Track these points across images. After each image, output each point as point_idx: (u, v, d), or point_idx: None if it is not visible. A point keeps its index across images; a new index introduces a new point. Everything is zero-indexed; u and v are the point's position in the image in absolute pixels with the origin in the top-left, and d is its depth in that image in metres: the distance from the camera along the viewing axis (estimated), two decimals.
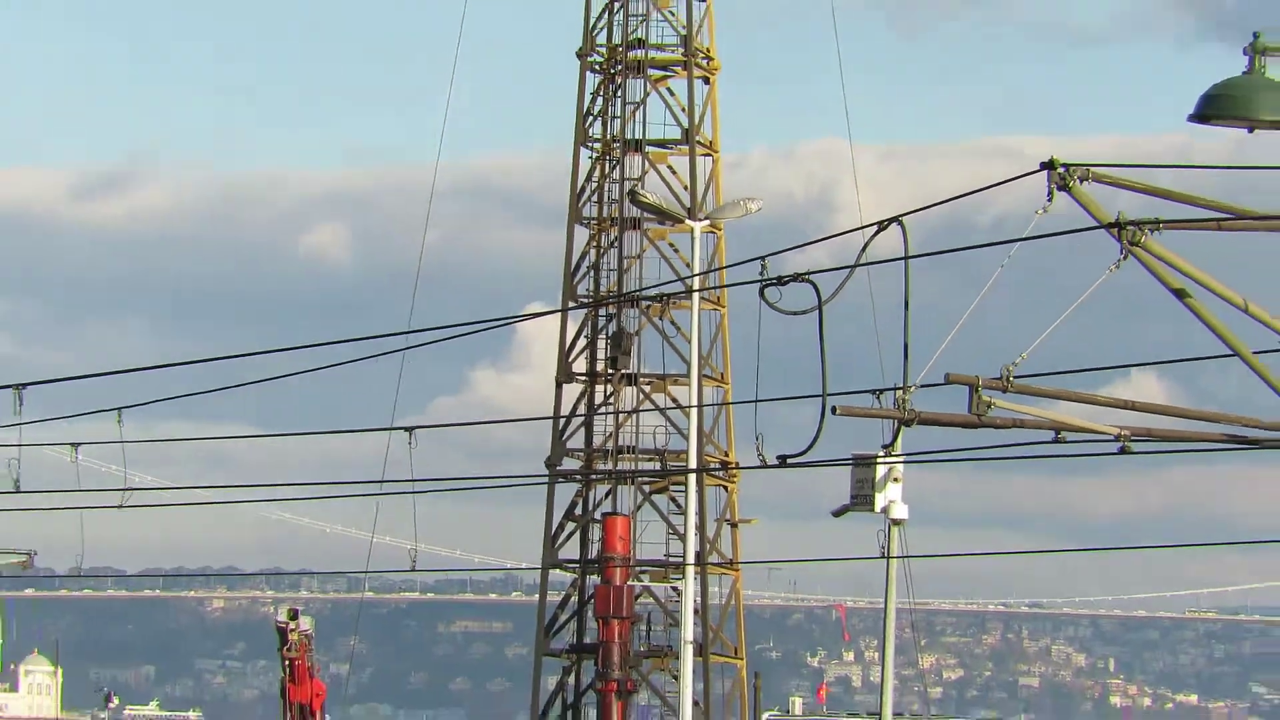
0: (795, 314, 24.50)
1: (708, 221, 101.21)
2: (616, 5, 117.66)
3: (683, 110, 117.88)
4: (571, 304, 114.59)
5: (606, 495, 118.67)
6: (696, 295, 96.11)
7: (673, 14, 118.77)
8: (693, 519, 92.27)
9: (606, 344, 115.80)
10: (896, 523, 65.69)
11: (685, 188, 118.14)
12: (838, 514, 69.29)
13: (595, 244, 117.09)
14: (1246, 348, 24.26)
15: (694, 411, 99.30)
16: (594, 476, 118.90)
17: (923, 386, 26.01)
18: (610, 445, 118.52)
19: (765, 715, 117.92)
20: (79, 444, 56.55)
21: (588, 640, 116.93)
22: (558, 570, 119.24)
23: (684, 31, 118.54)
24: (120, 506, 58.78)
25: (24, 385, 45.28)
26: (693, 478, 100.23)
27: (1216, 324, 24.06)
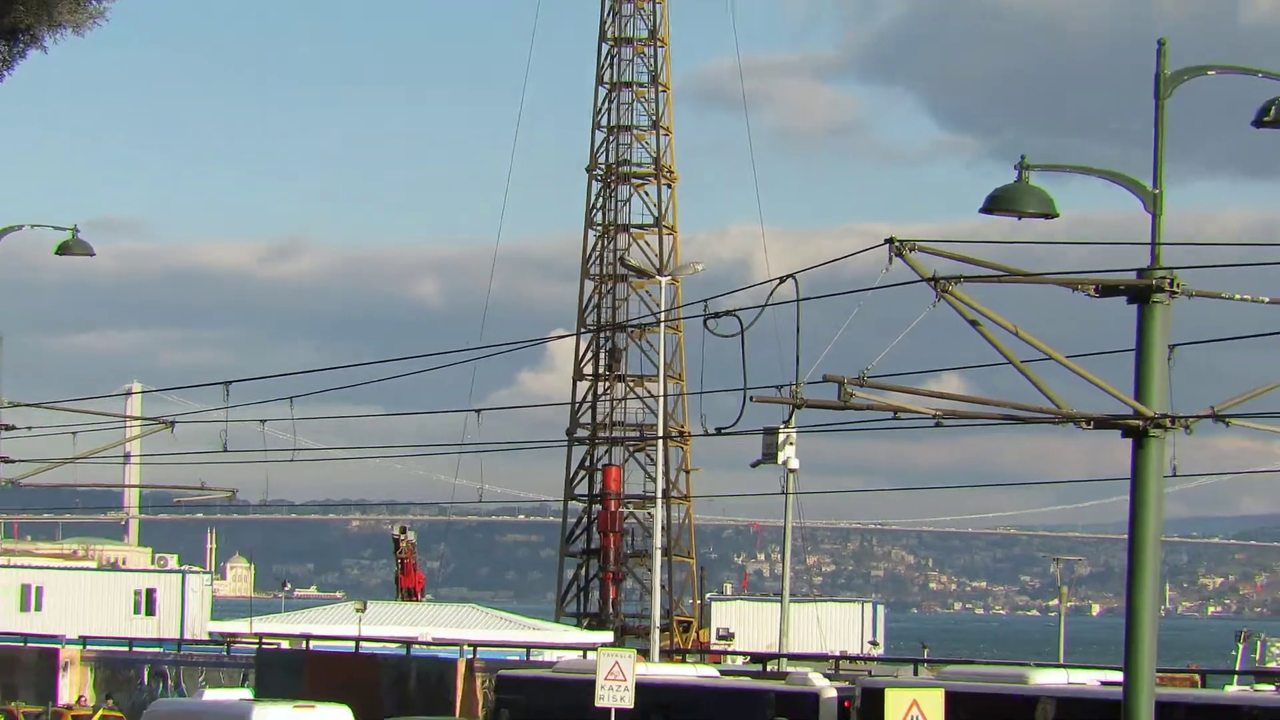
0: (726, 336, 28.76)
1: (670, 277, 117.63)
2: (610, 138, 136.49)
3: (654, 205, 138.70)
4: (582, 330, 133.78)
5: (605, 453, 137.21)
6: (663, 325, 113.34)
7: (648, 143, 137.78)
8: (661, 468, 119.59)
9: (605, 355, 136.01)
10: (791, 471, 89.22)
11: (656, 255, 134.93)
12: (755, 465, 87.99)
13: (597, 291, 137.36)
14: (1016, 357, 28.07)
15: (661, 400, 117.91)
16: (597, 441, 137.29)
17: (808, 383, 29.17)
18: (607, 421, 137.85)
19: (708, 595, 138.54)
20: (265, 420, 61.08)
21: (593, 546, 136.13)
22: (574, 501, 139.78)
23: (654, 155, 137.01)
24: (290, 460, 65.10)
25: (230, 382, 51.62)
26: (660, 443, 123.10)
27: (998, 343, 27.92)
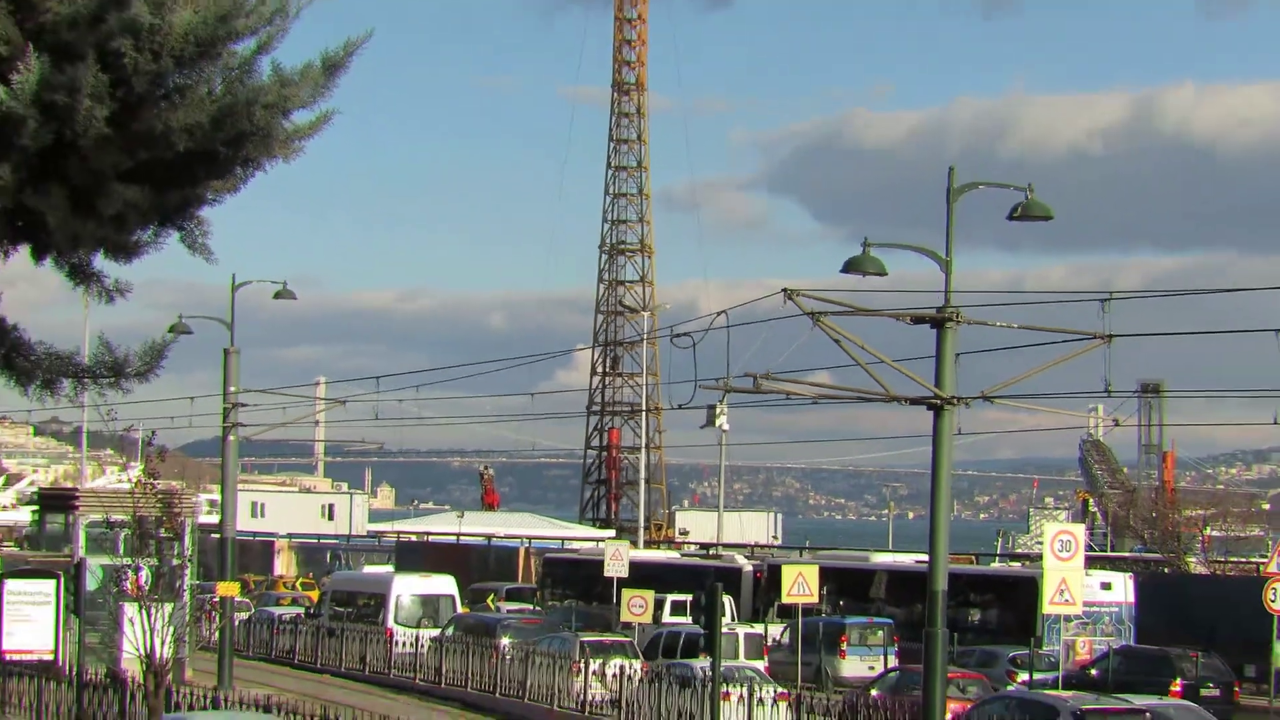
0: (683, 349, 27.85)
1: (649, 312, 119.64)
2: (613, 228, 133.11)
3: (639, 269, 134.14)
4: (595, 345, 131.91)
5: (610, 421, 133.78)
6: (645, 342, 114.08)
7: (636, 231, 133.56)
8: (644, 430, 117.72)
9: (608, 360, 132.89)
10: (724, 430, 78.96)
11: (641, 299, 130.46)
12: (702, 427, 74.90)
13: (605, 321, 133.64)
14: (863, 360, 27.40)
15: (644, 388, 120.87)
16: (604, 413, 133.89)
17: (735, 377, 28.95)
18: (611, 401, 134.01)
19: (673, 507, 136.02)
20: (401, 400, 56.96)
21: (602, 478, 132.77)
22: (590, 450, 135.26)
23: (640, 238, 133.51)
24: (416, 424, 74.89)
25: (379, 377, 52.63)
26: (644, 415, 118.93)
27: (851, 352, 27.59)
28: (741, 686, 35.82)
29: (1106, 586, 50.18)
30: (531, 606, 61.98)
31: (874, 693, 38.97)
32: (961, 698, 37.58)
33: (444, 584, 59.19)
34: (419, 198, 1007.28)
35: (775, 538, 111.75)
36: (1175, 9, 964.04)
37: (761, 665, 43.31)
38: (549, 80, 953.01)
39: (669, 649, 46.54)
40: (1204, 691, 40.80)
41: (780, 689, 39.90)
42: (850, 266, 26.75)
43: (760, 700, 36.81)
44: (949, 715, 36.31)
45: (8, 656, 43.33)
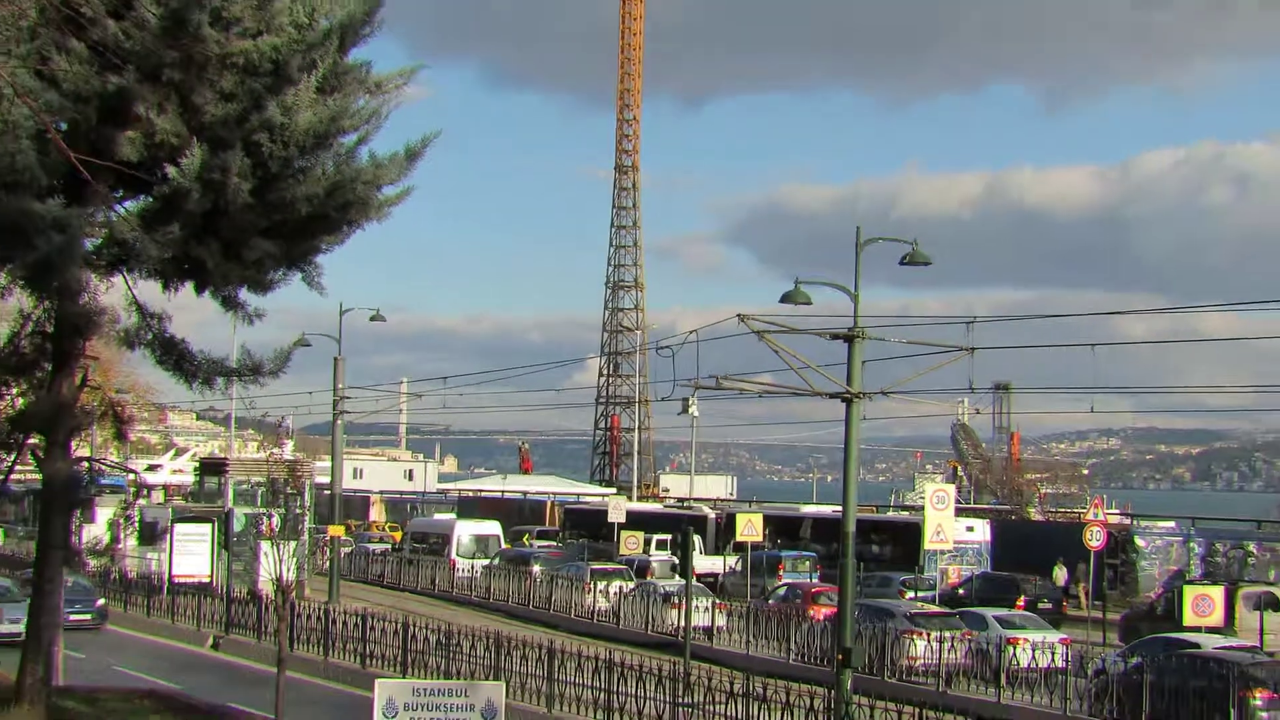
0: (666, 357, 26.97)
1: (641, 331, 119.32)
2: (614, 269, 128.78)
3: (634, 299, 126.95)
4: (601, 355, 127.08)
5: (612, 410, 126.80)
6: (638, 352, 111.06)
7: (630, 271, 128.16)
8: (638, 416, 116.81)
9: (611, 365, 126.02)
10: (695, 416, 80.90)
11: (635, 321, 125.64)
12: (679, 414, 78.98)
13: (609, 337, 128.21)
14: (795, 365, 26.44)
15: (637, 385, 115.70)
16: (608, 404, 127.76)
17: (703, 378, 28.39)
18: (614, 395, 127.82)
19: (658, 471, 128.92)
20: (462, 394, 66.03)
21: (606, 450, 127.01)
22: (598, 431, 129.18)
23: (635, 277, 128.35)
24: (472, 410, 76.59)
25: (446, 377, 55.22)
26: (637, 405, 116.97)
27: (789, 362, 26.58)
28: (680, 600, 36.10)
29: (970, 529, 50.32)
30: (555, 543, 61.84)
31: (770, 601, 39.69)
32: (831, 604, 37.06)
33: (492, 527, 59.39)
34: (478, 246, 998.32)
35: (731, 495, 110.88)
36: (1021, 110, 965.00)
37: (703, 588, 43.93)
38: (570, 161, 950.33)
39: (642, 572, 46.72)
40: (1040, 605, 40.84)
41: (718, 600, 40.45)
42: (786, 298, 26.56)
43: (705, 608, 37.54)
44: (821, 615, 37.30)
45: (177, 579, 43.85)
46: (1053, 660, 29.67)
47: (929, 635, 31.52)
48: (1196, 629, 30.99)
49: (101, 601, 38.94)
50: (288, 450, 70.58)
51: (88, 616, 36.89)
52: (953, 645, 31.08)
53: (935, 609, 36.49)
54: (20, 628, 28.84)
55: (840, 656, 25.14)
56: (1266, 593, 35.85)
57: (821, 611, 37.92)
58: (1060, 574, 47.56)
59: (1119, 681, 25.78)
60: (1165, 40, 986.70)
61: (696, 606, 35.69)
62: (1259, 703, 22.67)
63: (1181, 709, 23.69)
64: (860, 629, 29.20)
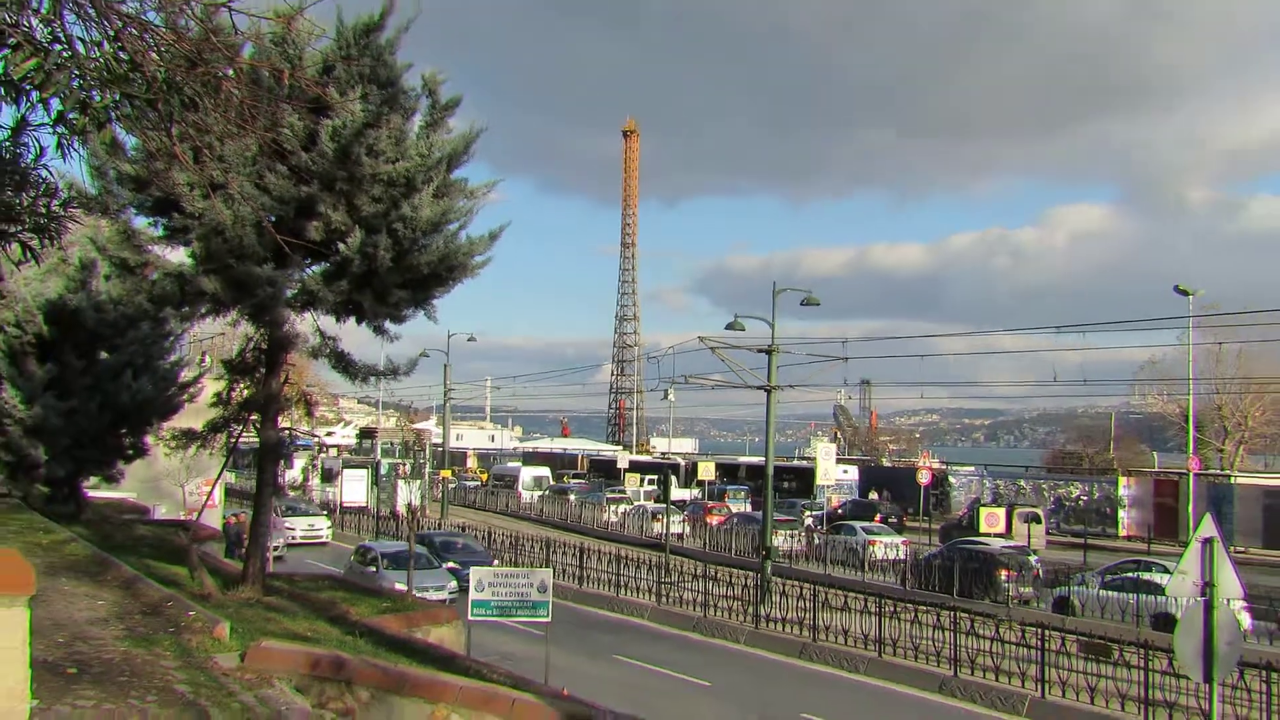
0: (653, 362, 32.10)
1: (638, 346, 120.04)
2: (622, 305, 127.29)
3: (633, 326, 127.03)
4: (613, 361, 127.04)
5: (619, 396, 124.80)
6: (637, 360, 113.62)
7: (632, 308, 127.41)
8: (635, 401, 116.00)
9: (619, 367, 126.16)
10: (672, 400, 78.41)
11: (634, 339, 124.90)
12: (663, 399, 79.94)
13: (617, 350, 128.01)
14: (738, 368, 25.90)
15: (636, 379, 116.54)
16: (617, 393, 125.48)
17: (677, 377, 28.97)
18: (619, 387, 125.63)
19: (649, 435, 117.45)
20: (526, 385, 76.48)
21: (615, 422, 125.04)
22: (611, 410, 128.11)
23: (634, 312, 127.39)
24: (532, 398, 75.40)
25: (515, 377, 63.60)
26: (635, 394, 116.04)
27: (732, 366, 26.22)
28: (663, 516, 36.00)
29: (845, 472, 50.26)
30: (585, 481, 61.73)
31: (714, 519, 38.98)
32: (719, 515, 39.41)
33: (544, 470, 58.74)
34: (533, 293, 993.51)
35: (695, 450, 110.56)
36: (876, 208, 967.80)
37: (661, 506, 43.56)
38: (591, 240, 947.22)
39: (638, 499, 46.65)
40: (889, 521, 40.60)
41: (686, 516, 39.92)
42: (729, 326, 26.18)
43: (677, 522, 37.35)
44: (718, 520, 37.95)
45: (345, 504, 43.87)
46: (897, 554, 30.00)
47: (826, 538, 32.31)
48: (987, 535, 31.35)
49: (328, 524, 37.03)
50: (422, 423, 70.56)
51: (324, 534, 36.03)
52: (833, 544, 31.27)
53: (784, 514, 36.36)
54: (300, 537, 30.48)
55: (764, 552, 25.14)
56: (1031, 512, 35.91)
57: (713, 519, 38.64)
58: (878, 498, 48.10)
59: (934, 566, 26.06)
60: (968, 162, 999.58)
61: (672, 520, 36.01)
62: (1003, 576, 24.24)
63: (964, 580, 24.72)
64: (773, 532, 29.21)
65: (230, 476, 37.49)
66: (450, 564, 24.49)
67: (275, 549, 25.63)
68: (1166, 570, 21.30)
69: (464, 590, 18.05)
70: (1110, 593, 22.23)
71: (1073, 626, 18.76)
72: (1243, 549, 35.62)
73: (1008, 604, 23.12)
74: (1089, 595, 22.76)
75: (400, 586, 19.27)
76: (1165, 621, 19.97)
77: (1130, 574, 23.09)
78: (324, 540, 35.30)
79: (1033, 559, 26.11)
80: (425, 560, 22.96)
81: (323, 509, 40.45)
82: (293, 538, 32.76)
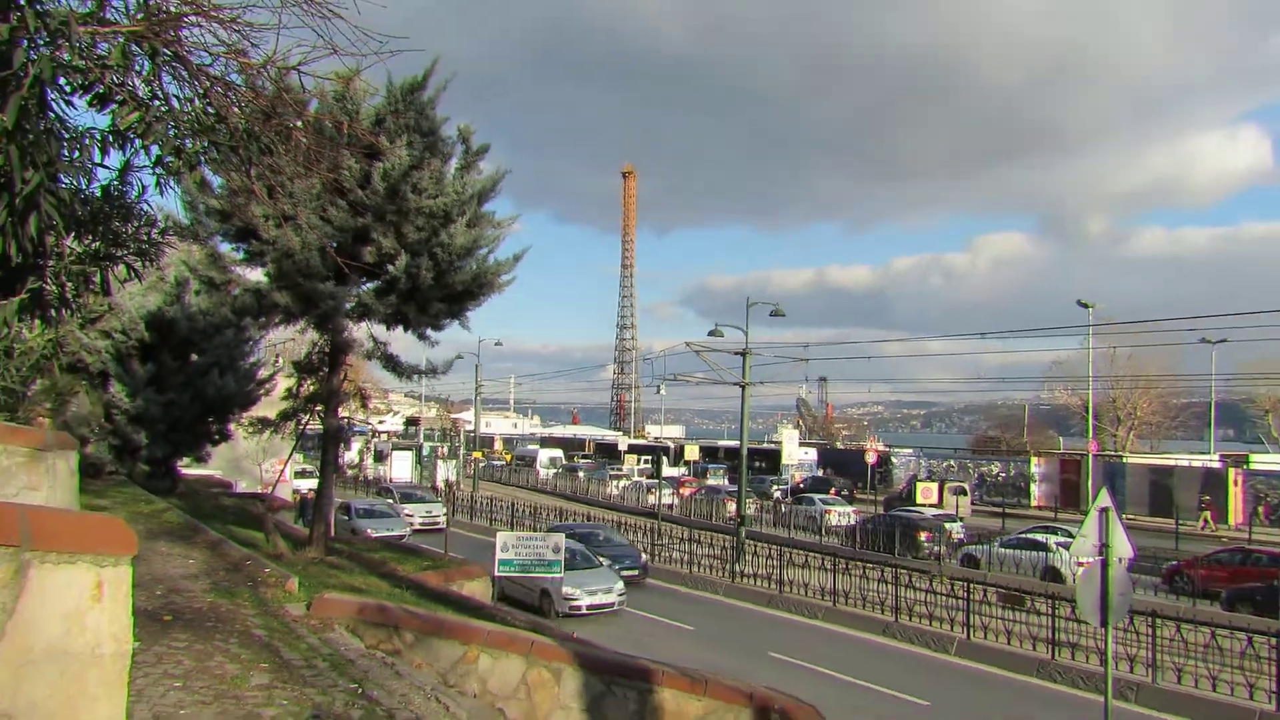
0: (647, 362, 30.02)
1: (634, 349, 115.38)
2: (623, 315, 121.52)
3: (631, 335, 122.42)
4: (615, 362, 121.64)
5: (620, 390, 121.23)
6: (635, 361, 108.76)
7: (630, 319, 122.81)
8: (633, 395, 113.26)
9: (620, 367, 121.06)
10: (662, 394, 78.66)
11: (633, 344, 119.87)
12: (656, 393, 75.56)
13: (618, 353, 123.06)
14: (716, 367, 24.94)
15: (633, 377, 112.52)
16: (617, 388, 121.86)
17: (667, 375, 28.76)
18: (619, 384, 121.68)
19: (644, 423, 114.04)
20: (543, 382, 75.51)
21: (616, 413, 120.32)
22: (613, 403, 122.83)
23: (632, 322, 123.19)
24: (549, 393, 71.71)
25: (534, 375, 60.05)
26: (633, 390, 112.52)
27: (713, 366, 25.06)
28: (656, 490, 35.91)
29: (806, 453, 50.15)
30: (591, 461, 61.37)
31: (665, 493, 39.01)
32: (691, 487, 39.52)
33: (558, 452, 58.44)
34: (548, 307, 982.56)
35: (682, 436, 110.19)
36: (833, 236, 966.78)
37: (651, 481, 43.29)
38: (596, 263, 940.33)
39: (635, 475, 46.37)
40: (842, 494, 40.46)
41: (676, 488, 39.89)
42: (711, 334, 25.98)
43: (668, 493, 37.23)
44: (688, 492, 37.66)
45: (395, 479, 43.51)
46: (848, 521, 29.92)
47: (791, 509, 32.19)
48: (922, 506, 31.21)
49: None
50: (458, 414, 69.89)
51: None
52: (795, 513, 31.21)
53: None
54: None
55: (740, 519, 25.06)
56: (959, 486, 35.96)
57: (685, 490, 38.60)
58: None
59: (876, 530, 26.22)
60: (908, 199, 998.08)
61: (664, 492, 35.93)
62: (923, 538, 24.59)
63: (896, 540, 25.03)
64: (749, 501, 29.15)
65: (299, 457, 37.19)
66: (604, 562, 18.91)
67: (401, 536, 22.50)
68: (1070, 535, 21.70)
69: (633, 584, 16.83)
70: (1007, 550, 22.60)
71: (992, 580, 19.04)
72: (1132, 517, 35.76)
73: (927, 560, 23.48)
74: (990, 553, 22.96)
75: (372, 532, 19.73)
76: (1052, 574, 20.90)
77: (1027, 536, 23.62)
78: (441, 526, 27.48)
79: (958, 525, 26.38)
80: (583, 558, 17.66)
81: (435, 493, 34.03)
82: (412, 524, 27.09)
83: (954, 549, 24.63)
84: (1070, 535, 20.93)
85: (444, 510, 28.34)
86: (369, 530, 21.21)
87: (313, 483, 21.55)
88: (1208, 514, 33.71)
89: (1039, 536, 22.71)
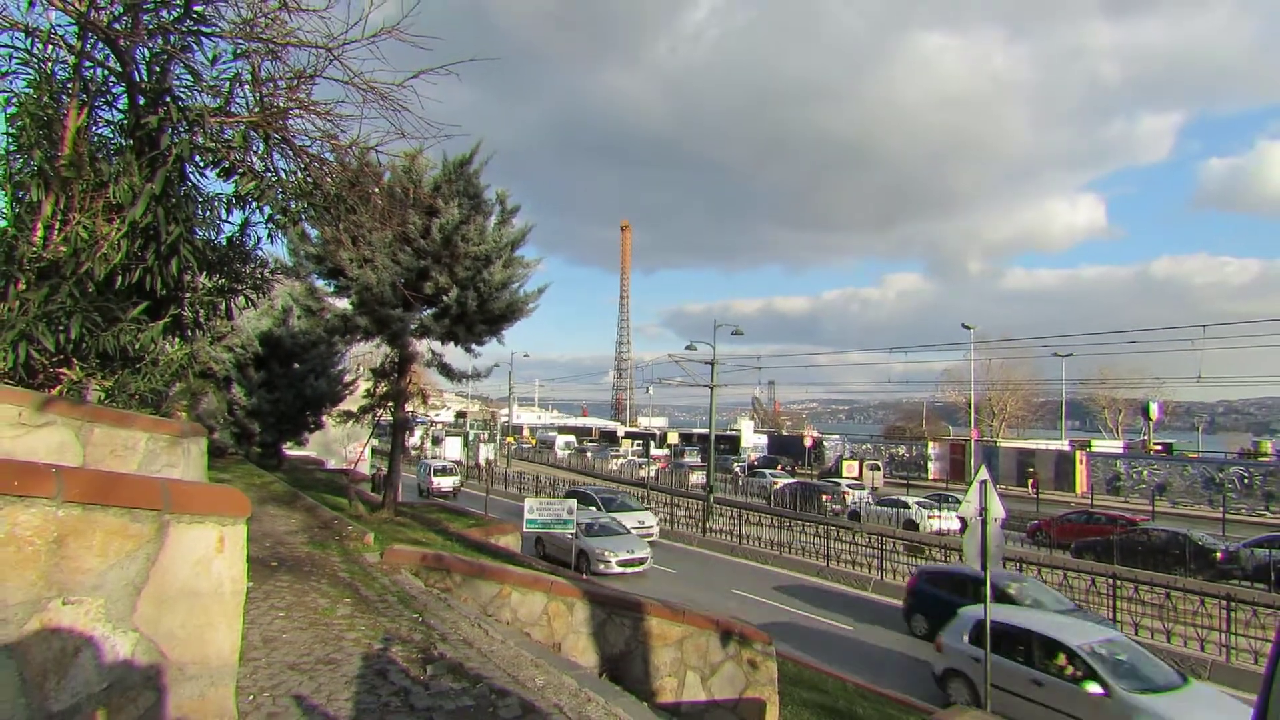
0: (640, 369, 29.94)
1: (629, 359, 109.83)
2: (621, 329, 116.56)
3: (626, 349, 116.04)
4: (615, 369, 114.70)
5: (618, 391, 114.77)
6: (631, 367, 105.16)
7: (626, 335, 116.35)
8: (630, 395, 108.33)
9: (619, 373, 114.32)
10: (651, 394, 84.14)
11: (629, 355, 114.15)
12: (647, 394, 78.61)
13: (618, 361, 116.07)
14: (692, 373, 25.57)
15: (628, 381, 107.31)
16: (616, 389, 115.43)
17: (654, 379, 28.59)
18: (617, 385, 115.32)
19: (638, 416, 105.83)
20: (557, 387, 71.26)
21: (615, 407, 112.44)
22: (612, 400, 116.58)
23: (627, 338, 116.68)
24: (565, 392, 69.30)
25: (552, 379, 53.76)
26: (629, 390, 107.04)
27: (690, 373, 24.16)
28: (645, 465, 35.63)
29: (760, 438, 49.81)
30: (597, 444, 60.62)
31: (652, 468, 38.21)
32: (662, 462, 39.04)
33: (572, 438, 58.31)
34: (563, 328, 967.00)
35: (666, 426, 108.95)
36: (776, 276, 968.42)
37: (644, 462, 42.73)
38: (599, 295, 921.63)
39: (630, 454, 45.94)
40: (786, 469, 40.15)
41: (656, 467, 39.30)
42: (687, 348, 25.68)
43: (655, 468, 36.97)
44: (660, 466, 37.34)
45: (447, 458, 42.95)
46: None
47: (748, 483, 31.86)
48: (845, 479, 31.17)
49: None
50: (496, 409, 69.09)
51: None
52: (750, 485, 30.98)
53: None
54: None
55: (709, 488, 24.91)
56: (874, 464, 35.88)
57: (656, 464, 37.78)
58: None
59: (791, 493, 26.17)
60: (833, 246, 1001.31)
61: (650, 468, 35.67)
62: (825, 498, 24.51)
63: (798, 500, 25.18)
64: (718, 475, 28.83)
65: (375, 441, 36.85)
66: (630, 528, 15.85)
67: (642, 560, 14.78)
68: (959, 500, 22.00)
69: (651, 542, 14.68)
70: (880, 507, 22.62)
71: (900, 535, 19.07)
72: (1004, 487, 35.86)
73: (827, 515, 23.55)
74: (869, 510, 23.23)
75: (611, 557, 14.24)
76: (910, 525, 21.35)
77: (894, 498, 23.85)
78: (654, 536, 19.12)
79: (865, 493, 26.16)
80: (615, 527, 15.46)
81: (645, 504, 23.00)
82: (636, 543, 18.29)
83: (844, 507, 24.87)
84: (959, 501, 21.09)
85: (656, 520, 20.10)
86: (606, 553, 14.33)
87: (384, 461, 21.52)
88: (1030, 482, 34.71)
89: (903, 498, 23.13)
